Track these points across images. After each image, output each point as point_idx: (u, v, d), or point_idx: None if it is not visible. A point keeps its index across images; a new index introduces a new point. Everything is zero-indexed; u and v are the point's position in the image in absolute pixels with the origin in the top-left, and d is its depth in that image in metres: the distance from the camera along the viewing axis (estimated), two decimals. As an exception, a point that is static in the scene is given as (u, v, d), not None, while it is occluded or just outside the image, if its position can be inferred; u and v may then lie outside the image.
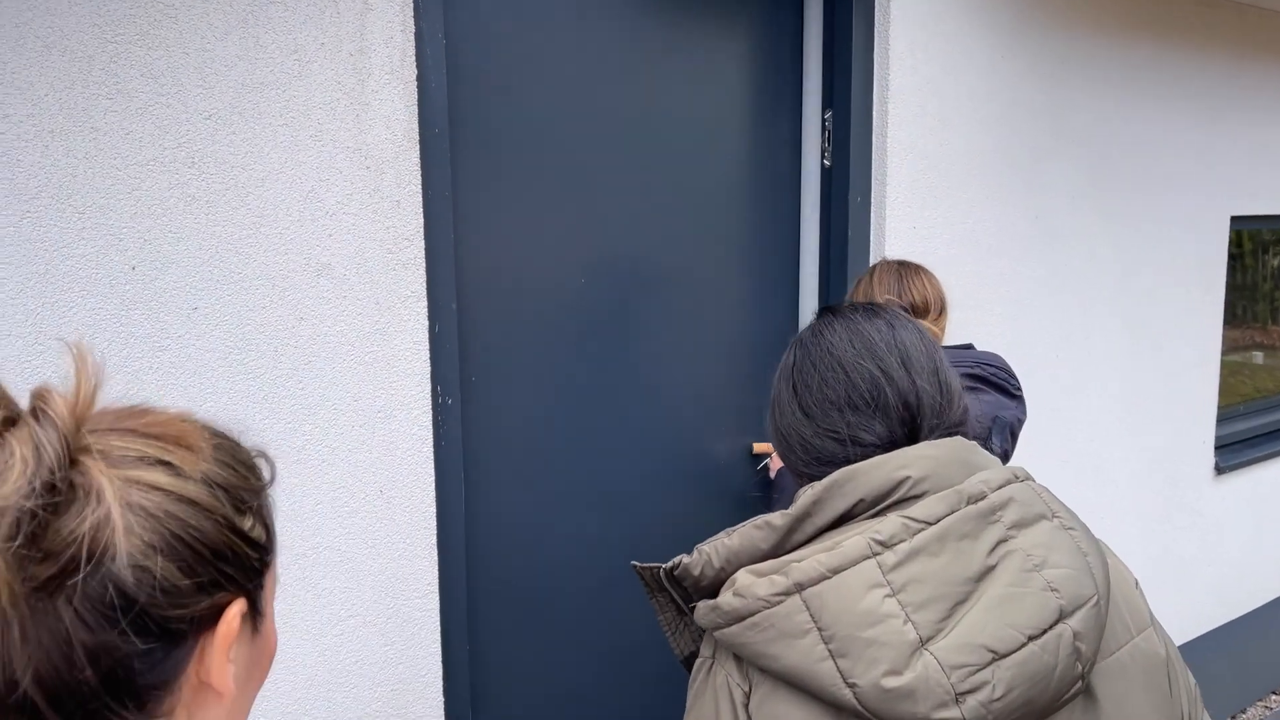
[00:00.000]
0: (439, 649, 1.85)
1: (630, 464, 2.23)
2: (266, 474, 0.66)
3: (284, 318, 1.63)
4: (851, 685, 0.85)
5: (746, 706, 0.91)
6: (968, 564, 0.89)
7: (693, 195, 2.25)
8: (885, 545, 0.88)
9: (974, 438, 1.60)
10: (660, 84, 2.18)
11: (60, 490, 0.52)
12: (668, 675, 2.37)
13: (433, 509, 1.81)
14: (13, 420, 0.53)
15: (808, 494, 0.94)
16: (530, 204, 1.99)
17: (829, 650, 0.86)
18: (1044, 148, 2.65)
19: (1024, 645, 0.86)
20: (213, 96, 1.53)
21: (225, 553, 0.58)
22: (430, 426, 1.79)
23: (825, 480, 0.94)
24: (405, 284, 1.74)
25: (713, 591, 0.97)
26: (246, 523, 0.61)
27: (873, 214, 2.38)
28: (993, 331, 2.60)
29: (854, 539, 0.89)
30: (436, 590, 1.83)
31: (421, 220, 1.74)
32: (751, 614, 0.89)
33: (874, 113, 2.35)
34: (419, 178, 1.73)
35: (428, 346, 1.78)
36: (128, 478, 0.54)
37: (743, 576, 0.91)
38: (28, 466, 0.51)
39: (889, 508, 0.93)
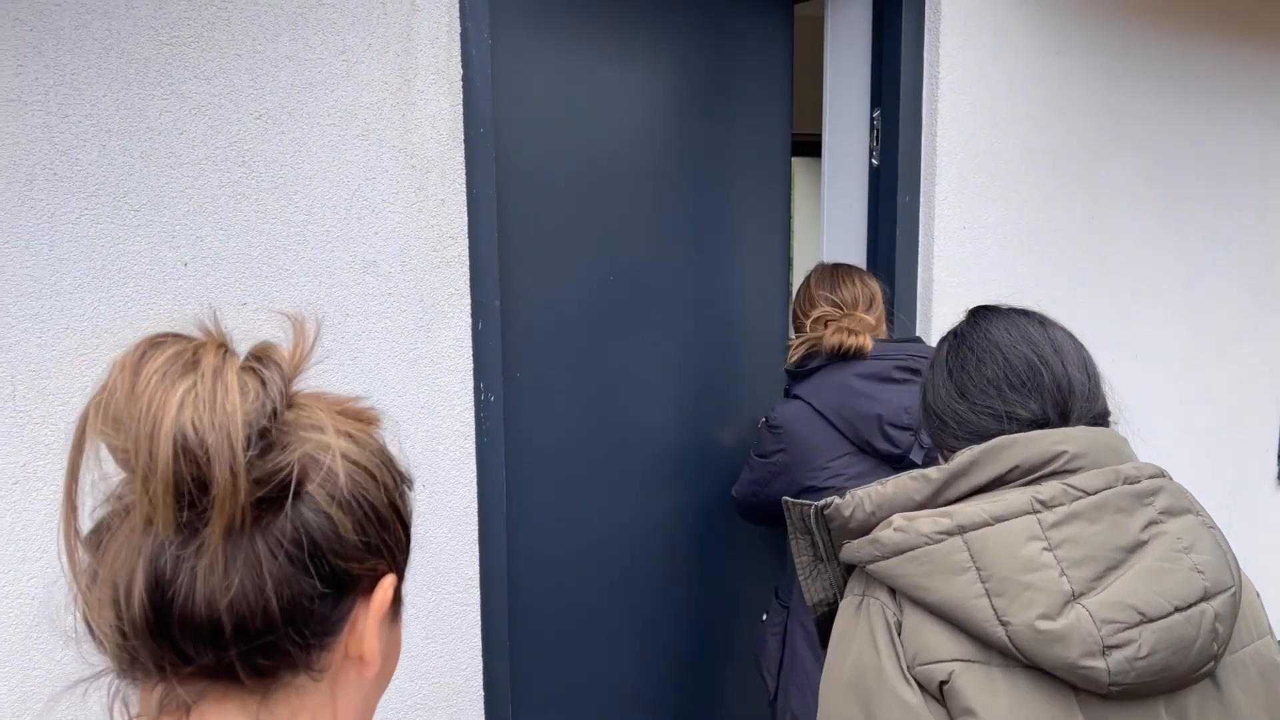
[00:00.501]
0: (479, 643, 1.87)
1: (664, 457, 2.23)
2: (409, 477, 0.72)
3: (331, 313, 1.66)
4: (1005, 623, 0.92)
5: (899, 631, 0.98)
6: (1122, 535, 0.97)
7: (712, 198, 2.24)
8: (1045, 505, 0.97)
9: (904, 429, 1.88)
10: (694, 87, 2.17)
11: (280, 422, 0.58)
12: (701, 664, 2.36)
13: (474, 504, 1.83)
14: (241, 364, 0.58)
15: (965, 454, 1.02)
16: (569, 202, 2.00)
17: (985, 589, 0.93)
18: (1101, 146, 2.60)
19: (1170, 614, 0.93)
20: (263, 97, 1.56)
21: (388, 522, 0.64)
22: (473, 423, 1.81)
23: (984, 445, 1.02)
24: (449, 281, 1.76)
25: (860, 534, 1.04)
26: (402, 503, 0.67)
27: (921, 214, 2.35)
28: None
29: (1016, 494, 0.98)
30: (478, 585, 1.85)
31: (465, 219, 1.76)
32: (912, 548, 0.97)
33: (924, 111, 2.32)
34: (463, 176, 1.75)
35: (470, 343, 1.80)
36: (328, 433, 0.60)
37: (899, 519, 1.00)
38: (259, 393, 0.57)
39: (1043, 478, 1.00)
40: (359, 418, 0.66)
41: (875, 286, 2.06)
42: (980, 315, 1.17)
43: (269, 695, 0.60)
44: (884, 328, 2.07)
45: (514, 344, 1.96)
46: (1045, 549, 0.95)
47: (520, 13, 1.91)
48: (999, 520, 0.96)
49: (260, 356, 0.60)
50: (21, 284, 1.42)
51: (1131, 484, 1.00)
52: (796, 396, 1.97)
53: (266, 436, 0.56)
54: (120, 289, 1.49)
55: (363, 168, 1.66)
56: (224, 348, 0.59)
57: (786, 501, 1.11)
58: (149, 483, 0.53)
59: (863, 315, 1.99)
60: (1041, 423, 1.06)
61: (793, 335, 2.12)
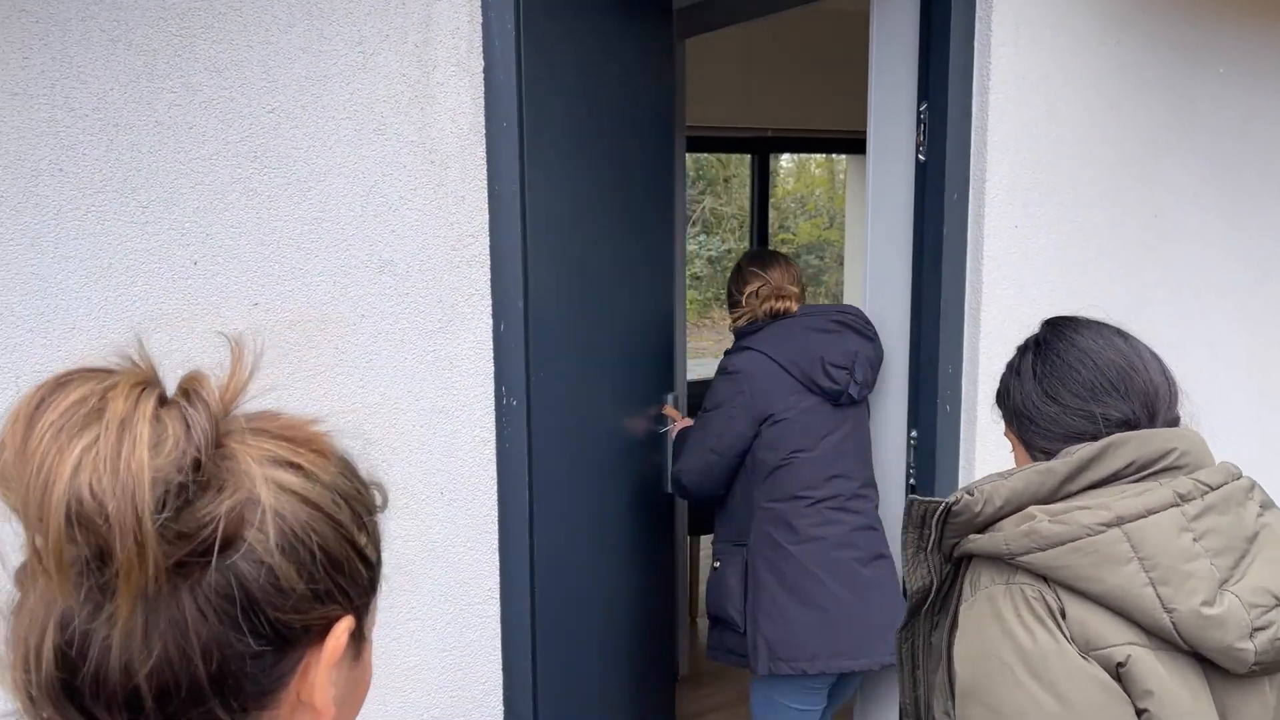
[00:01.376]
0: (499, 656, 1.80)
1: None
2: (379, 499, 0.65)
3: (345, 314, 1.60)
4: (1170, 610, 0.98)
5: (1062, 616, 1.01)
6: (1245, 526, 1.05)
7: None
8: (1184, 499, 1.04)
9: (842, 368, 2.27)
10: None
11: (205, 471, 0.51)
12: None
13: (494, 512, 1.76)
14: (163, 400, 0.52)
15: (1084, 450, 1.08)
16: (596, 199, 1.93)
17: (1149, 578, 0.99)
18: (1161, 141, 2.45)
19: None
20: (276, 90, 1.51)
21: (342, 564, 0.57)
22: (493, 428, 1.75)
23: (1102, 441, 1.08)
24: (469, 281, 1.69)
25: (983, 529, 1.09)
26: (363, 539, 0.60)
27: (970, 212, 2.24)
28: (1103, 339, 2.41)
29: (1158, 490, 1.04)
30: (497, 596, 1.78)
31: (486, 217, 1.70)
32: (1074, 539, 1.01)
33: (973, 104, 2.21)
34: (484, 173, 1.69)
35: (491, 345, 1.73)
36: (263, 475, 0.53)
37: (1042, 512, 1.05)
38: (179, 442, 0.50)
39: (1154, 474, 1.07)
40: (310, 446, 0.58)
41: (795, 270, 2.50)
42: (1064, 324, 1.25)
43: None
44: (804, 299, 2.49)
45: (539, 346, 1.89)
46: (1194, 539, 1.02)
47: (546, 2, 1.83)
48: (1151, 513, 1.02)
49: (187, 392, 0.53)
50: (26, 283, 1.38)
51: (1237, 480, 1.09)
52: (747, 347, 2.35)
53: (185, 492, 0.50)
54: (128, 288, 1.44)
55: (379, 163, 1.60)
56: (142, 386, 0.51)
57: (913, 500, 1.15)
58: (42, 554, 0.47)
59: (790, 287, 2.43)
60: (1133, 424, 1.12)
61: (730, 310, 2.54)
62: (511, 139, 1.72)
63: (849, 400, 2.31)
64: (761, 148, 5.75)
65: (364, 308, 1.61)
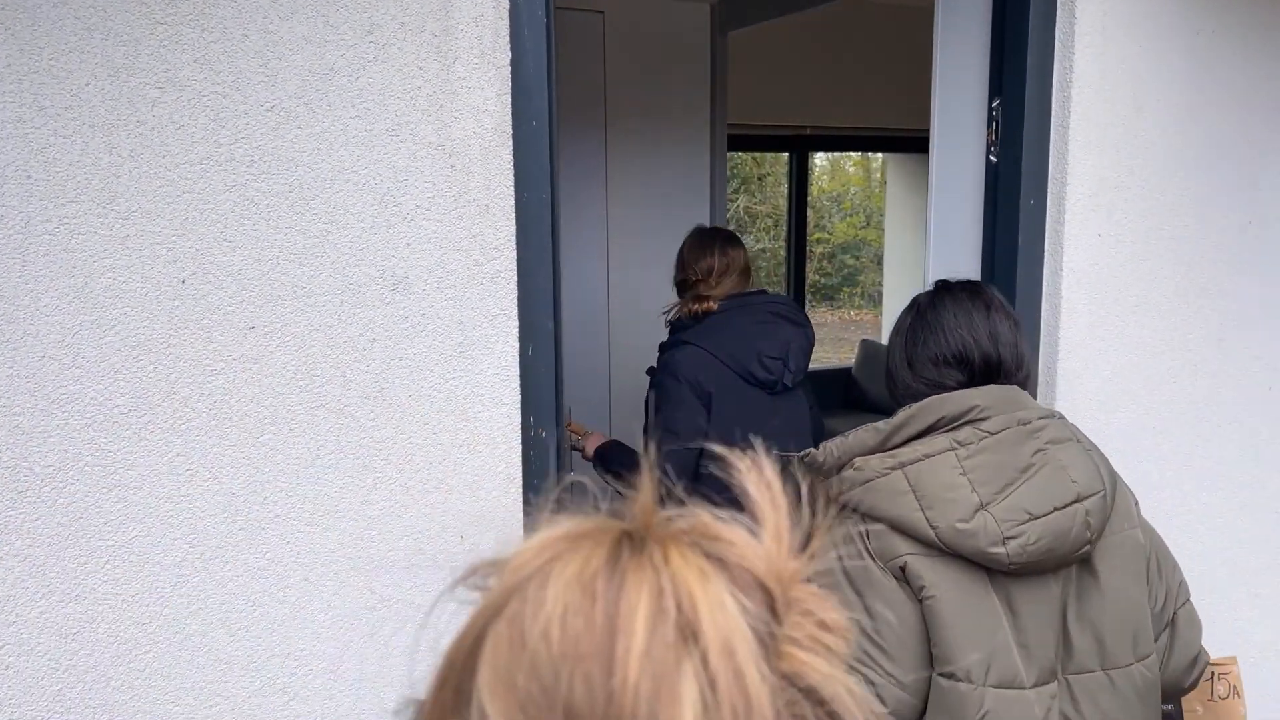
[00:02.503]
0: None
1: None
2: None
3: (354, 338, 1.42)
4: (934, 528, 1.32)
5: (869, 538, 1.36)
6: (1018, 460, 1.35)
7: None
8: (961, 444, 1.36)
9: (776, 358, 2.41)
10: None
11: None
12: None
13: (521, 558, 1.57)
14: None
15: (903, 413, 1.39)
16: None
17: (919, 505, 1.33)
18: (1261, 141, 2.22)
19: (1051, 512, 1.32)
20: (275, 85, 1.33)
21: None
22: (520, 463, 1.56)
23: (919, 404, 1.39)
24: (494, 300, 1.51)
25: (831, 474, 1.42)
26: None
27: (1049, 218, 2.02)
28: (1190, 360, 2.19)
29: (940, 438, 1.37)
30: (524, 651, 1.59)
31: (514, 228, 1.51)
32: (868, 480, 1.37)
33: (1053, 100, 1.99)
34: (512, 179, 1.50)
35: (518, 371, 1.54)
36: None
37: (858, 461, 1.39)
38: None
39: (960, 425, 1.37)
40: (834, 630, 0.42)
41: (732, 254, 2.49)
42: (938, 295, 1.51)
43: None
44: (744, 283, 2.49)
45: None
46: (961, 474, 1.34)
47: (582, -13, 1.64)
48: (928, 458, 1.36)
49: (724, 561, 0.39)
50: (-11, 305, 1.22)
51: (1024, 424, 1.38)
52: (686, 342, 2.39)
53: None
54: (105, 311, 1.27)
55: (393, 168, 1.42)
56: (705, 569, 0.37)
57: (777, 454, 1.23)
58: None
59: (713, 282, 2.45)
60: (966, 387, 1.43)
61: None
62: (541, 141, 1.53)
63: (783, 388, 2.42)
64: (800, 146, 5.55)
65: (375, 330, 1.43)
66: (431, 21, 1.41)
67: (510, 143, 1.49)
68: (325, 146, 1.37)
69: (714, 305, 2.45)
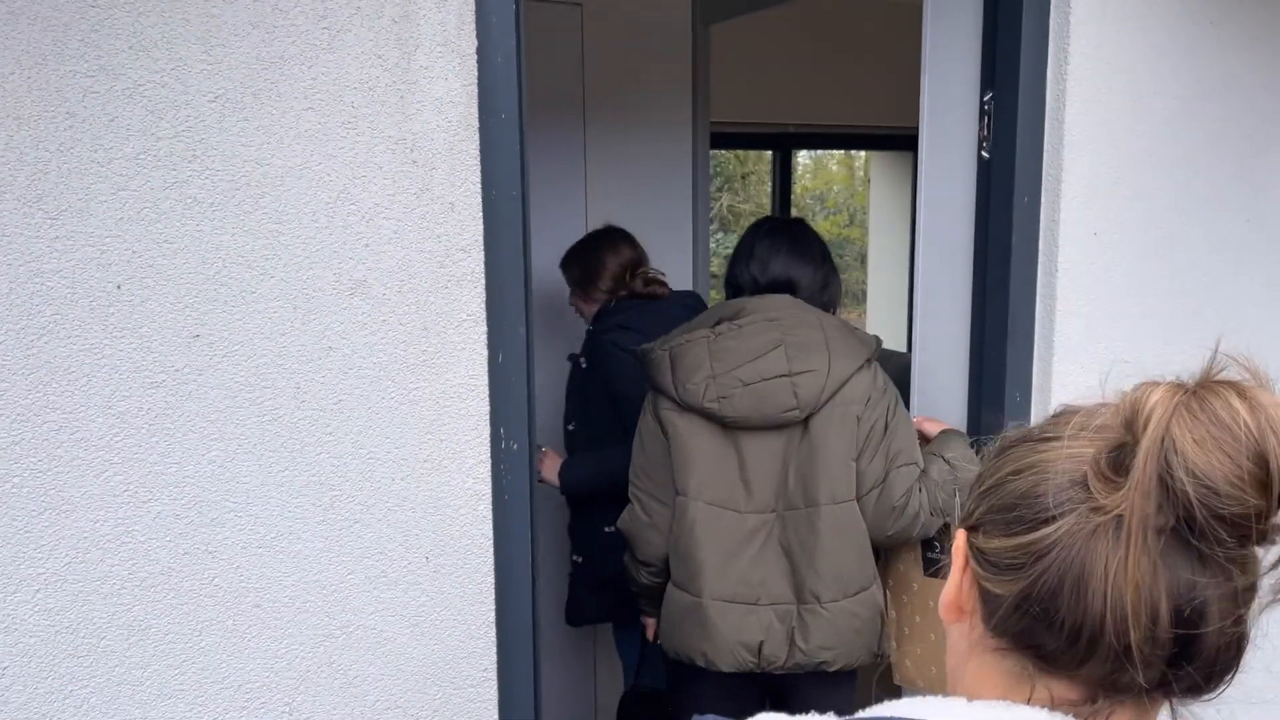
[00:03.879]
0: (497, 748, 1.52)
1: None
2: None
3: (308, 347, 1.32)
4: (679, 390, 1.85)
5: (655, 403, 1.94)
6: (753, 347, 1.84)
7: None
8: (715, 333, 1.88)
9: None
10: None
11: None
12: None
13: (490, 578, 1.48)
14: None
15: (703, 314, 2.01)
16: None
17: (673, 375, 1.86)
18: (1263, 137, 2.14)
19: (758, 382, 1.81)
20: (219, 74, 1.23)
21: None
22: (489, 479, 1.46)
23: (714, 307, 1.98)
24: (460, 305, 1.41)
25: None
26: None
27: (1043, 217, 1.94)
28: (1189, 365, 2.10)
29: (704, 329, 1.90)
30: (494, 678, 1.50)
31: (481, 227, 1.41)
32: (648, 357, 1.93)
33: (1047, 94, 1.91)
34: (479, 175, 1.40)
35: (487, 380, 1.45)
36: None
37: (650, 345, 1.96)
38: None
39: (728, 320, 1.90)
40: None
41: (626, 253, 2.51)
42: (759, 228, 2.08)
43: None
44: (638, 283, 2.52)
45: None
46: (708, 354, 1.85)
47: (554, -28, 1.55)
48: (689, 342, 1.88)
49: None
50: (-99, 314, 1.11)
51: (771, 320, 1.86)
52: (621, 327, 2.51)
53: None
54: (32, 319, 1.17)
55: (349, 164, 1.32)
56: None
57: (632, 351, 2.02)
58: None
59: (596, 286, 2.53)
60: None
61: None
62: (511, 134, 1.44)
63: None
64: (784, 144, 5.47)
65: (331, 338, 1.33)
66: (390, 6, 1.32)
67: (477, 137, 1.40)
68: (275, 140, 1.27)
69: (589, 311, 2.54)
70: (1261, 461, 0.55)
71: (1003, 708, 0.61)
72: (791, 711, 0.70)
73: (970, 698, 0.64)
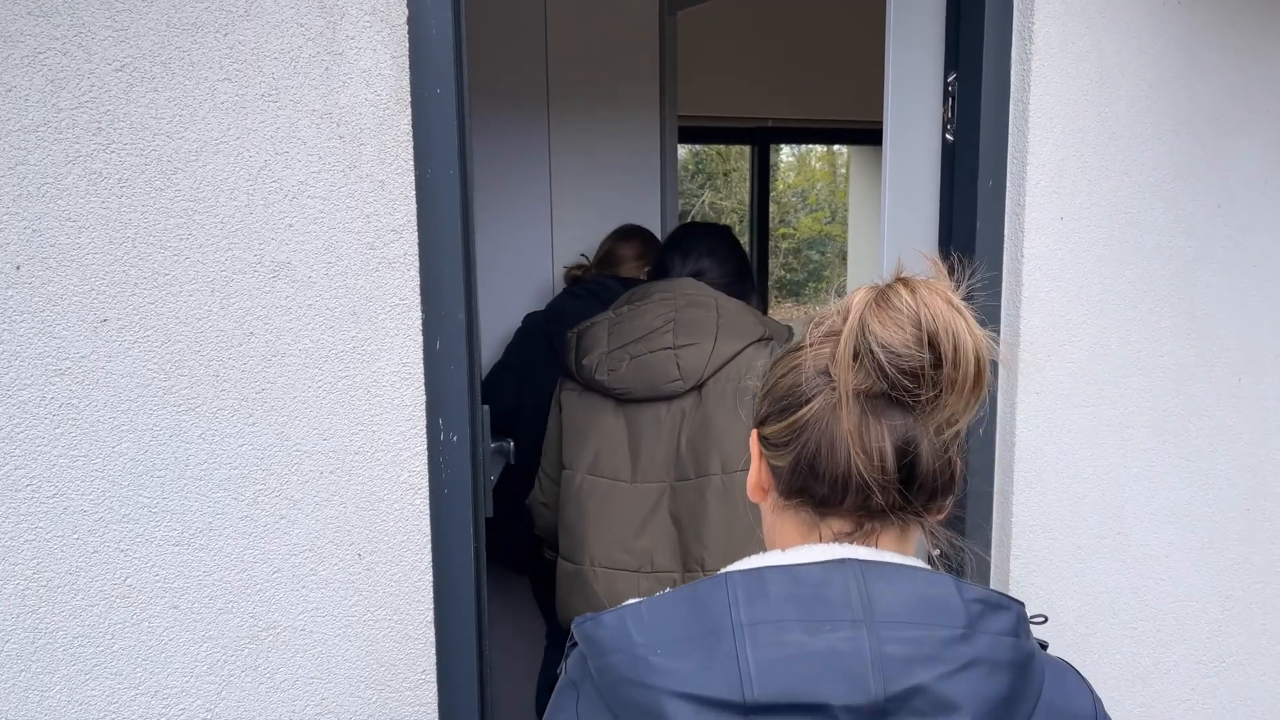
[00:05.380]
0: (436, 754, 1.45)
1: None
2: None
3: (228, 332, 1.25)
4: (578, 368, 2.00)
5: (560, 391, 2.10)
6: (647, 324, 1.95)
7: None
8: (616, 315, 2.00)
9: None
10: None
11: None
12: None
13: (428, 575, 1.41)
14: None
15: (625, 294, 2.10)
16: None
17: (575, 354, 2.01)
18: (1231, 119, 2.10)
19: (646, 355, 1.91)
20: (126, 41, 1.16)
21: None
22: (425, 471, 1.40)
23: (640, 287, 2.10)
24: (391, 288, 1.34)
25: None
26: None
27: (1008, 201, 1.89)
28: (1157, 351, 2.06)
29: (605, 313, 2.04)
30: (434, 680, 1.43)
31: (414, 206, 1.35)
32: (562, 339, 2.10)
33: (1012, 74, 1.86)
34: (411, 151, 1.34)
35: (422, 368, 1.38)
36: None
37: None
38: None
39: (639, 302, 2.01)
40: None
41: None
42: (683, 230, 2.24)
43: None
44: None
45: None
46: (606, 334, 1.97)
47: (495, -58, 1.48)
48: (594, 324, 2.02)
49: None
50: None
51: (665, 299, 1.96)
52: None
53: None
54: (-80, 302, 1.09)
55: (271, 139, 1.25)
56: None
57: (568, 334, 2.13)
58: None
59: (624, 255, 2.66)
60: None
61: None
62: (447, 110, 1.37)
63: None
64: (761, 138, 5.41)
65: (252, 323, 1.26)
66: (313, -28, 1.24)
67: (409, 111, 1.33)
68: (188, 113, 1.20)
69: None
70: (920, 327, 0.75)
71: (805, 549, 0.81)
72: None
73: (783, 549, 0.84)
